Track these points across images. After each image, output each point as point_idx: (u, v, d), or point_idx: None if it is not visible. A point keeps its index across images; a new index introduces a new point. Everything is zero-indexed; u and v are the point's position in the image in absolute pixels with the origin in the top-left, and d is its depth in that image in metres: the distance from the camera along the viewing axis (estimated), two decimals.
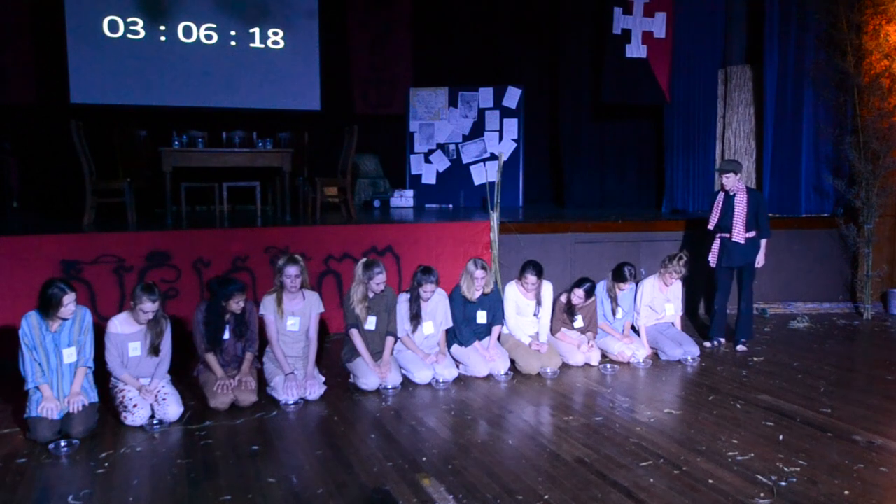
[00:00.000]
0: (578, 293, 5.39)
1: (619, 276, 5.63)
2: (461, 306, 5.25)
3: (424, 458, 3.64)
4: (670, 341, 5.63)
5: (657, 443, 3.84)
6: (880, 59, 7.15)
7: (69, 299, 3.92)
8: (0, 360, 4.89)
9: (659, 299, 5.76)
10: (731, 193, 5.77)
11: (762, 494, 3.21)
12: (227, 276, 4.63)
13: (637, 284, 5.84)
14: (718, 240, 5.90)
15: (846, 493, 3.23)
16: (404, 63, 10.91)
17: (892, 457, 3.66)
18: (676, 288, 5.83)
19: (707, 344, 6.00)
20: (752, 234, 5.76)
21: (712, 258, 5.96)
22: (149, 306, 4.14)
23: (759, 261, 5.86)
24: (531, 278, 5.28)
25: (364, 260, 4.93)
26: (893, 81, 7.11)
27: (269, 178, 8.43)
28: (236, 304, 4.48)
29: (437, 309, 5.14)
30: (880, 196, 7.14)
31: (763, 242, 5.83)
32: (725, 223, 5.81)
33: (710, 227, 5.94)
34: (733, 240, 5.78)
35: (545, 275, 5.41)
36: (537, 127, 10.49)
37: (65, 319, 3.99)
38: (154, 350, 4.28)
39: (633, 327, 5.84)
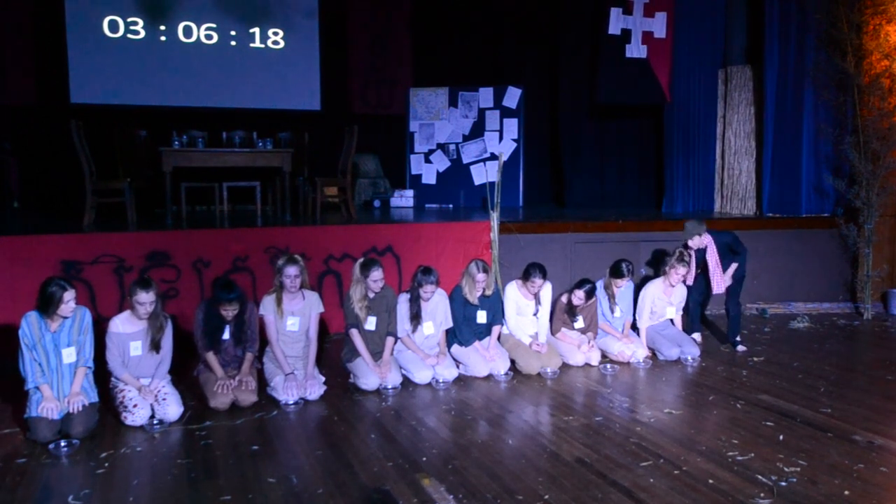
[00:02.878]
0: (579, 294, 5.39)
1: (616, 272, 5.62)
2: (461, 306, 5.25)
3: (424, 458, 3.64)
4: (668, 341, 5.62)
5: (657, 443, 3.84)
6: (880, 59, 7.15)
7: (69, 296, 3.92)
8: (0, 360, 4.89)
9: (662, 302, 5.75)
10: (701, 248, 5.80)
11: (762, 494, 3.21)
12: (228, 281, 4.61)
13: (644, 285, 5.81)
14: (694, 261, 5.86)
15: (846, 493, 3.23)
16: (404, 63, 10.92)
17: (892, 457, 3.66)
18: (680, 291, 5.80)
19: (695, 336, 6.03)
20: (730, 280, 5.83)
21: (690, 277, 5.85)
22: (143, 297, 4.14)
23: (728, 276, 5.85)
24: (538, 281, 5.28)
25: (361, 260, 4.94)
26: (893, 81, 7.11)
27: (269, 178, 8.43)
28: (225, 312, 4.48)
29: (437, 309, 5.14)
30: (880, 196, 7.13)
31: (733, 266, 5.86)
32: (701, 278, 5.90)
33: (690, 283, 5.87)
34: (714, 293, 5.88)
35: None
36: (537, 127, 10.49)
37: (65, 317, 4.00)
38: (155, 346, 4.28)
39: (633, 327, 5.84)
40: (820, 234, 7.55)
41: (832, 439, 3.90)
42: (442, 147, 10.05)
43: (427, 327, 5.10)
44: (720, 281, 5.80)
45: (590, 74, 9.63)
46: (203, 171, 7.87)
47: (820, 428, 4.06)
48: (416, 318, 5.05)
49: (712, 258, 5.78)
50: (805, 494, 3.21)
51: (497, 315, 5.38)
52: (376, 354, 4.91)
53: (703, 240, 5.77)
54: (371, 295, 4.88)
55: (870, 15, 7.19)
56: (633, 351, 5.50)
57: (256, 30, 9.95)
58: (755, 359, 5.60)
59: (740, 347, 5.85)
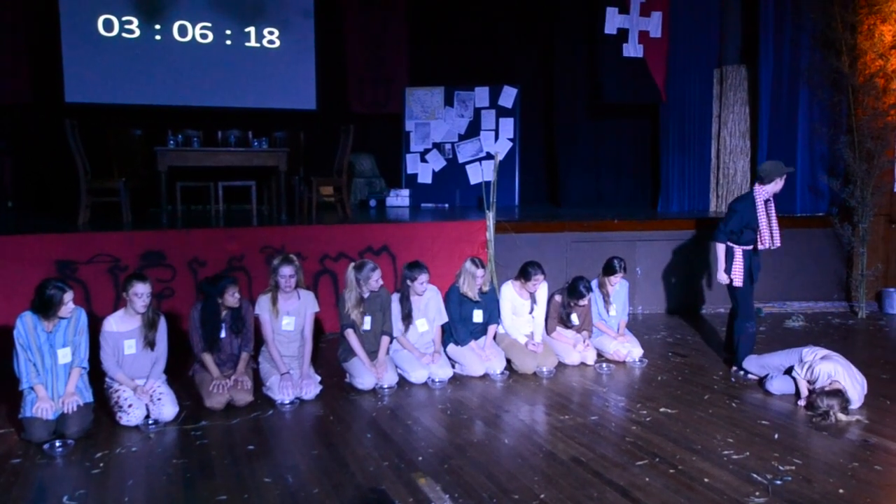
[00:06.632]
0: (581, 302, 5.40)
1: (608, 269, 5.62)
2: (457, 305, 5.25)
3: (420, 458, 3.64)
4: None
5: (653, 442, 3.85)
6: (875, 59, 7.17)
7: (69, 297, 3.94)
8: None
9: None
10: (768, 198, 4.97)
11: (757, 493, 3.22)
12: (216, 274, 4.61)
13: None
14: (741, 252, 5.09)
15: (841, 491, 3.24)
16: (400, 62, 10.89)
17: (886, 455, 3.67)
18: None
19: (742, 373, 5.11)
20: None
21: (737, 278, 5.07)
22: (140, 288, 4.15)
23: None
24: (540, 277, 5.28)
25: (353, 264, 4.92)
26: (888, 81, 7.14)
27: (264, 178, 8.40)
28: (232, 297, 4.48)
29: (429, 305, 5.13)
30: (875, 195, 7.15)
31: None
32: (770, 233, 5.07)
33: (772, 245, 5.05)
34: (777, 244, 5.10)
35: None
36: (533, 126, 10.48)
37: (62, 318, 3.99)
38: (149, 343, 4.27)
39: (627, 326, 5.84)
40: (815, 234, 7.57)
41: (827, 438, 3.91)
42: (438, 146, 10.04)
43: (420, 324, 5.10)
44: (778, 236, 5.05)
45: (590, 74, 9.64)
46: (198, 170, 7.85)
47: (815, 427, 4.08)
48: (407, 317, 5.05)
49: (773, 208, 4.97)
50: (800, 493, 3.22)
51: (494, 314, 5.38)
52: (372, 354, 4.90)
53: (781, 183, 4.90)
54: (366, 296, 4.88)
55: (864, 15, 7.20)
56: (629, 350, 5.51)
57: (252, 29, 9.92)
58: None
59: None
